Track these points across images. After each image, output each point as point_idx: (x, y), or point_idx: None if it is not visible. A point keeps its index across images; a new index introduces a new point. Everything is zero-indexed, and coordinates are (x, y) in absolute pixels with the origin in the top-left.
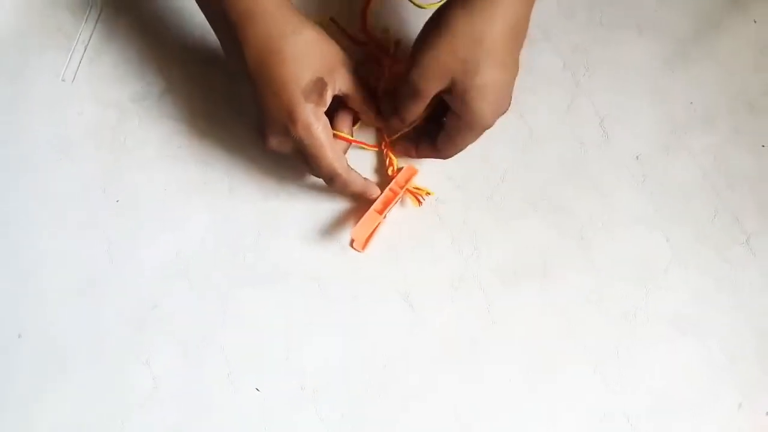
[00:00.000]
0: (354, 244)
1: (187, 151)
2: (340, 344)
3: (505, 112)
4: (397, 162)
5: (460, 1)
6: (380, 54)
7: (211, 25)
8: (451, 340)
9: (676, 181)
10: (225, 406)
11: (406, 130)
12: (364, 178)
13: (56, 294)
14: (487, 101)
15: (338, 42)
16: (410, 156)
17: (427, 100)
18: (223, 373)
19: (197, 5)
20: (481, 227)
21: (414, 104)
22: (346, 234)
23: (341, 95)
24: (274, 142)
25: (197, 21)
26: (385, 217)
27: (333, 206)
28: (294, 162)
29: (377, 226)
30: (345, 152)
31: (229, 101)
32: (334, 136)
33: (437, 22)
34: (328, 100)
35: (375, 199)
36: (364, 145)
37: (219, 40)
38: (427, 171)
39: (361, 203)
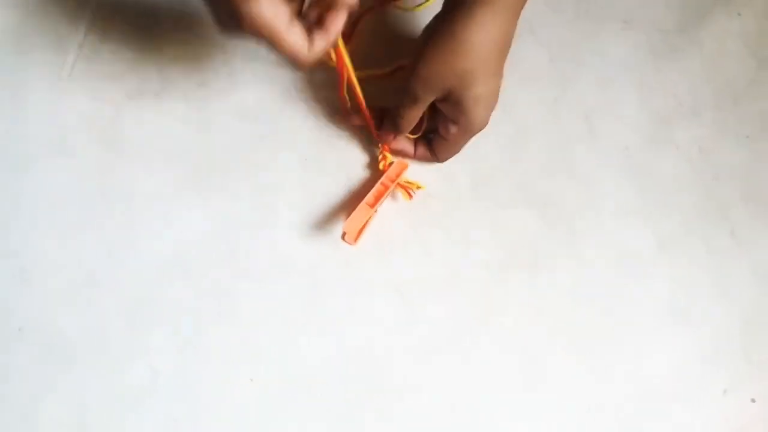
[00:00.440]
0: (345, 238)
1: (183, 147)
2: (333, 338)
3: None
4: (389, 157)
5: (458, 11)
6: None
7: None
8: (443, 333)
9: (662, 172)
10: (220, 396)
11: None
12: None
13: (56, 288)
14: (482, 108)
15: None
16: (409, 158)
17: (424, 108)
18: (219, 366)
19: None
20: (470, 220)
21: (411, 111)
22: (338, 228)
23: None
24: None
25: (192, 18)
26: (376, 210)
27: (325, 200)
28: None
29: (369, 220)
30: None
31: (225, 97)
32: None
33: (435, 32)
34: None
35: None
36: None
37: None
38: (417, 165)
39: (353, 197)
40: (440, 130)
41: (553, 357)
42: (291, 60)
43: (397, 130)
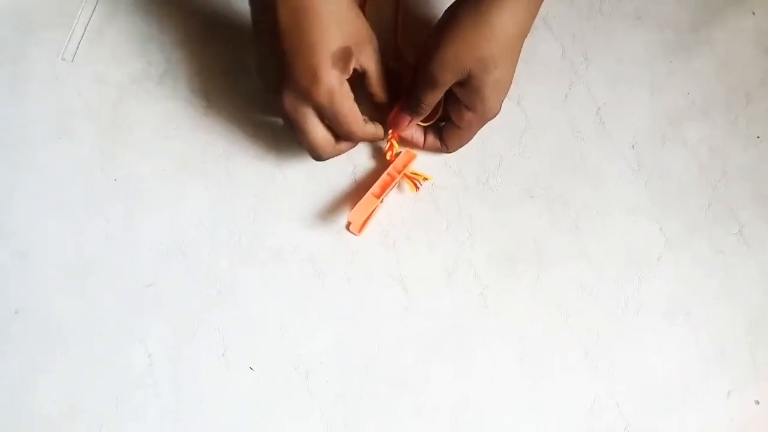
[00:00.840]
0: (350, 228)
1: (186, 131)
2: (334, 327)
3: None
4: (397, 147)
5: None
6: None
7: None
8: (445, 325)
9: (671, 171)
10: (219, 384)
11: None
12: (373, 123)
13: (53, 271)
14: (499, 94)
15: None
16: (418, 147)
17: (443, 91)
18: (217, 352)
19: None
20: (476, 214)
21: (431, 94)
22: (343, 217)
23: (361, 71)
24: (289, 103)
25: (198, 1)
26: (382, 201)
27: (330, 190)
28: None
29: (374, 210)
30: None
31: (229, 83)
32: None
33: (456, 17)
34: (350, 70)
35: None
36: None
37: None
38: (425, 157)
39: (359, 187)
40: (453, 118)
41: (556, 353)
42: (308, 150)
43: (414, 113)
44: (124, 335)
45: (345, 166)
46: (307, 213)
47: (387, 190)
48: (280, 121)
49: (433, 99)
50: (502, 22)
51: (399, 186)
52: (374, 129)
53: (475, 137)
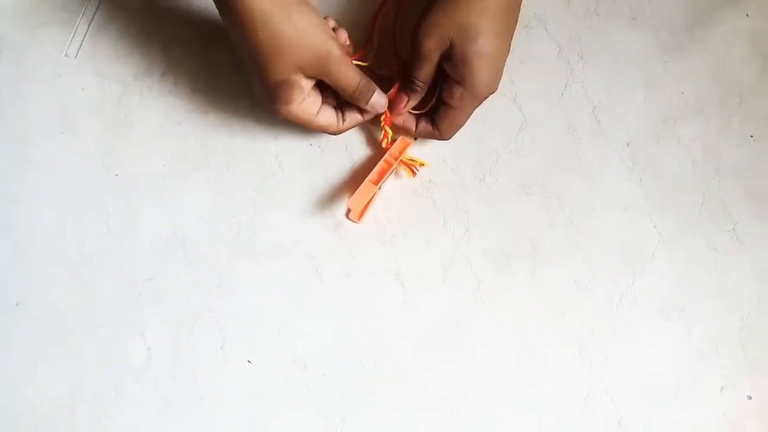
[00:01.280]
0: (350, 215)
1: (187, 127)
2: (331, 321)
3: (495, 90)
4: (392, 134)
5: None
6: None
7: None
8: (442, 320)
9: (665, 169)
10: (217, 377)
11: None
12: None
13: (54, 264)
14: (485, 67)
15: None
16: (410, 133)
17: (432, 64)
18: (216, 345)
19: None
20: (472, 210)
21: (421, 68)
22: (341, 210)
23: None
24: (278, 112)
25: (200, 0)
26: (380, 188)
27: (329, 181)
28: (292, 136)
29: (373, 197)
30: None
31: (230, 80)
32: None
33: None
34: (307, 87)
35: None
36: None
37: (217, 8)
38: (421, 154)
39: (356, 177)
40: (445, 97)
41: (551, 348)
42: (322, 132)
43: (410, 91)
44: (123, 328)
45: (342, 155)
46: (306, 206)
47: (385, 177)
48: None
49: (423, 74)
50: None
51: (396, 173)
52: (359, 117)
53: (470, 133)
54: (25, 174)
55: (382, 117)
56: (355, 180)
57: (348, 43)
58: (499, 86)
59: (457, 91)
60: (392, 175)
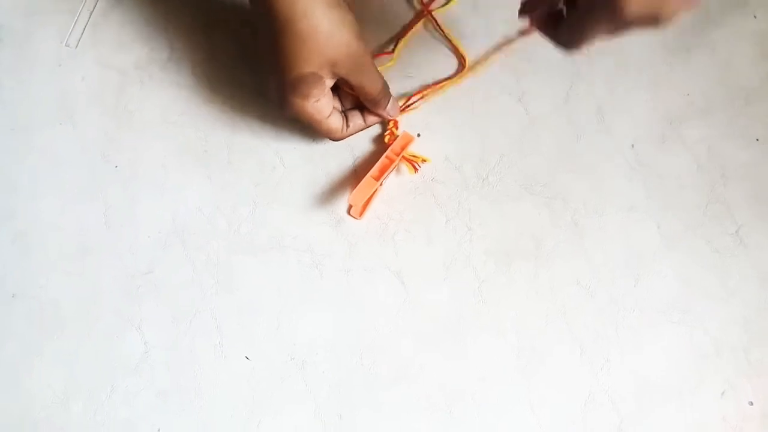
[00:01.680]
0: (351, 211)
1: (188, 119)
2: (330, 318)
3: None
4: (397, 133)
5: None
6: None
7: None
8: (442, 319)
9: (669, 170)
10: (214, 373)
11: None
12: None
13: (52, 256)
14: None
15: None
16: (530, 24)
17: None
18: (213, 341)
19: None
20: (475, 208)
21: None
22: (342, 206)
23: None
24: (288, 111)
25: None
26: (381, 183)
27: (330, 177)
28: (293, 132)
29: (374, 193)
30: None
31: (232, 71)
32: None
33: None
34: (328, 86)
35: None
36: None
37: None
38: (423, 150)
39: (358, 172)
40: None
41: (552, 349)
42: (325, 136)
43: (581, 39)
44: (120, 322)
45: (344, 151)
46: (306, 202)
47: (386, 173)
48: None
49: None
50: None
51: (398, 169)
52: (361, 123)
53: (474, 132)
54: (23, 163)
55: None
56: (356, 176)
57: None
58: (504, 85)
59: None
60: (394, 172)
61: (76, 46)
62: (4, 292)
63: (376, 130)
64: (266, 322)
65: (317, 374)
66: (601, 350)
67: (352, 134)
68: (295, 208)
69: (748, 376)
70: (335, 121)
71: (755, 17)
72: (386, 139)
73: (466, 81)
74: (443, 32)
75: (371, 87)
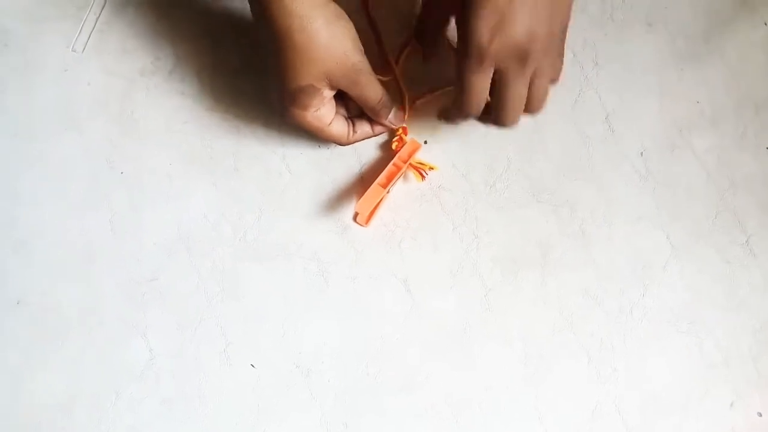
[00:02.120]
0: (358, 219)
1: (193, 126)
2: (336, 325)
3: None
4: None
5: None
6: None
7: None
8: (448, 327)
9: (678, 179)
10: (220, 380)
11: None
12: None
13: (56, 262)
14: (483, 17)
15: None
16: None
17: (491, 70)
18: (219, 348)
19: None
20: (482, 216)
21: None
22: (349, 213)
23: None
24: (290, 119)
25: None
26: (388, 191)
27: (336, 183)
28: (300, 137)
29: (381, 201)
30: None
31: (238, 78)
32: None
33: None
34: (328, 96)
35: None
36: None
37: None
38: (431, 157)
39: (365, 179)
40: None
41: (559, 358)
42: (331, 142)
43: (465, 111)
44: (125, 329)
45: (351, 157)
46: (313, 209)
47: (393, 180)
48: None
49: (482, 84)
50: None
51: (405, 176)
52: (369, 130)
53: (482, 139)
54: (28, 169)
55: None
56: (363, 183)
57: None
58: None
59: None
60: (401, 179)
61: (83, 51)
62: (8, 298)
63: (382, 136)
64: (272, 329)
65: (323, 382)
66: (609, 360)
67: (359, 140)
68: (301, 215)
69: (757, 387)
70: (338, 128)
71: (766, 24)
72: (394, 146)
73: None
74: (448, 40)
75: (370, 98)
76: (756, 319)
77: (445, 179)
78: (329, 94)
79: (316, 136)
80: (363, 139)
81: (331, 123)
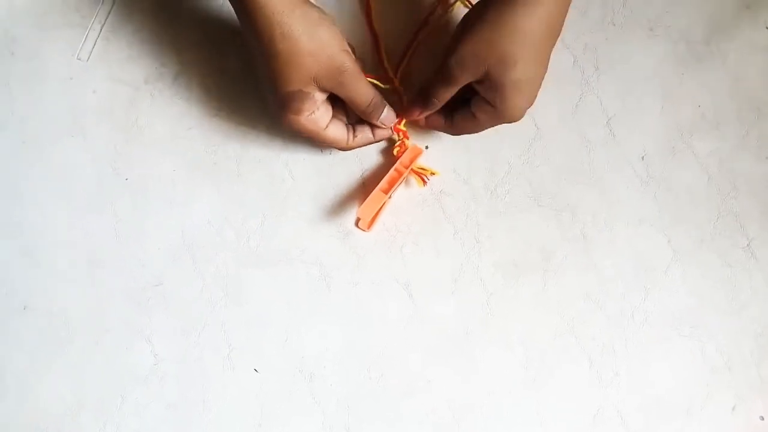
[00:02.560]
0: (360, 224)
1: (197, 132)
2: (338, 330)
3: (524, 114)
4: (408, 145)
5: None
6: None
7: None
8: (450, 332)
9: (680, 183)
10: (223, 385)
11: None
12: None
13: (62, 268)
14: (521, 96)
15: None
16: (417, 122)
17: (458, 88)
18: (222, 353)
19: None
20: (483, 221)
21: (446, 90)
22: (351, 219)
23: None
24: (287, 125)
25: (213, 4)
26: (390, 197)
27: (339, 189)
28: (302, 143)
29: (383, 206)
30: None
31: (242, 85)
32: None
33: (479, 14)
34: (320, 100)
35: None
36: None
37: (236, 14)
38: (432, 163)
39: (367, 185)
40: (473, 108)
41: (560, 362)
42: (330, 146)
43: (426, 107)
44: (130, 334)
45: (353, 163)
46: (315, 214)
47: (395, 186)
48: None
49: (446, 95)
50: (526, 20)
51: (407, 182)
52: (369, 136)
53: (483, 144)
54: (34, 176)
55: (399, 133)
56: (365, 188)
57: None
58: None
59: (487, 110)
60: (403, 184)
61: (88, 59)
62: (14, 303)
63: (384, 142)
64: (275, 334)
65: (325, 387)
66: (610, 364)
67: (360, 146)
68: (303, 221)
69: (760, 391)
70: (335, 131)
71: (767, 28)
72: (395, 152)
73: None
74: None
75: (359, 99)
76: (758, 324)
77: (447, 184)
78: (321, 97)
79: (314, 141)
80: (364, 145)
81: (327, 127)
